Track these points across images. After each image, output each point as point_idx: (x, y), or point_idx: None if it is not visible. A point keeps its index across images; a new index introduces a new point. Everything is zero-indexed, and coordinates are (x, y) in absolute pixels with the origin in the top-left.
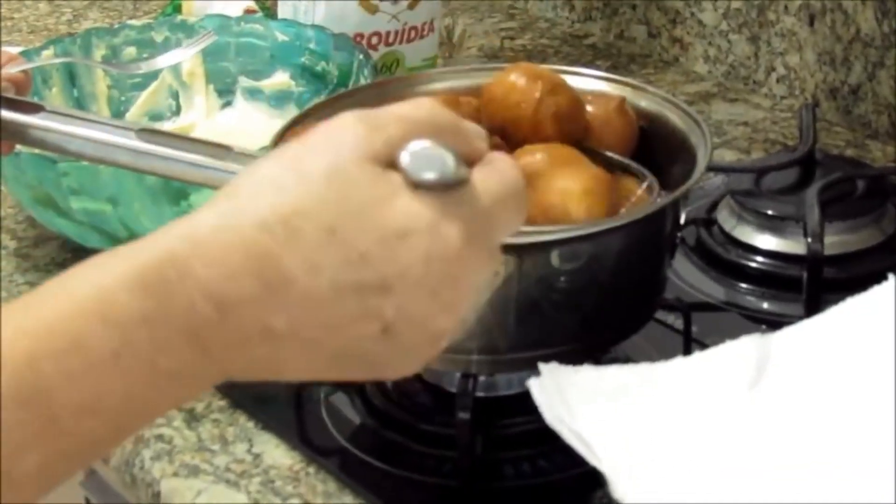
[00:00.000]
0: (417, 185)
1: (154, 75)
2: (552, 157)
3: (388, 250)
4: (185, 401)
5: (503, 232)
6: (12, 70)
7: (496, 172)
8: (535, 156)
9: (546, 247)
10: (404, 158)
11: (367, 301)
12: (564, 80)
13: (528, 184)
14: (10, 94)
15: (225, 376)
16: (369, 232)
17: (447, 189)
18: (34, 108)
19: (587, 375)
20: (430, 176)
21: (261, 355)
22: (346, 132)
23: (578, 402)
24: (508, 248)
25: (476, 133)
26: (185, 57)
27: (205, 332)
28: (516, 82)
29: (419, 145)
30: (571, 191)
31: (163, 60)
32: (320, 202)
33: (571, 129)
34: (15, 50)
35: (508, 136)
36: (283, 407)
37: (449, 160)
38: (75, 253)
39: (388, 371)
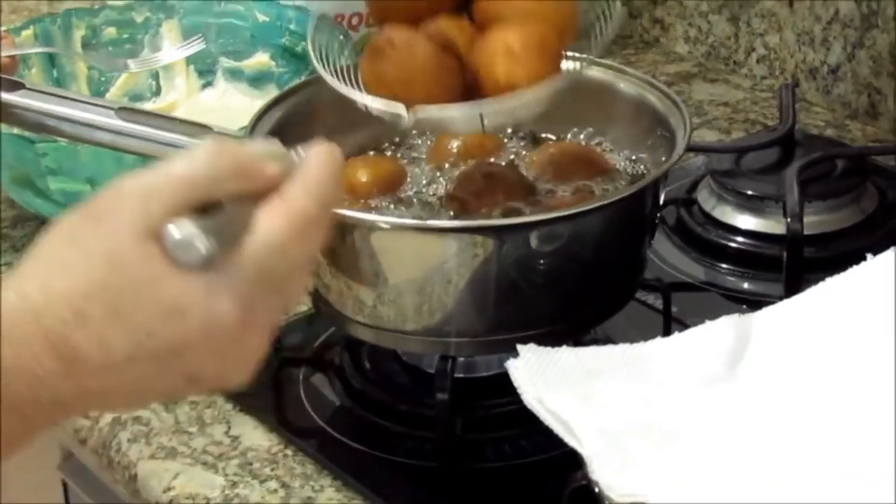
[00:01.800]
0: (184, 265)
1: (133, 55)
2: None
3: (169, 326)
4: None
5: (300, 263)
6: (4, 54)
7: (282, 207)
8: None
9: (525, 228)
10: (167, 242)
11: (163, 364)
12: None
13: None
14: None
15: (48, 426)
16: (149, 311)
17: (207, 267)
18: (14, 86)
19: (566, 356)
20: (186, 259)
21: (81, 410)
22: (124, 206)
23: (557, 383)
24: (487, 230)
25: (260, 164)
26: (173, 59)
27: (24, 407)
28: None
29: (179, 226)
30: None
31: (147, 62)
32: (102, 286)
33: None
34: None
35: None
36: (261, 389)
37: (200, 242)
38: None
39: (218, 387)
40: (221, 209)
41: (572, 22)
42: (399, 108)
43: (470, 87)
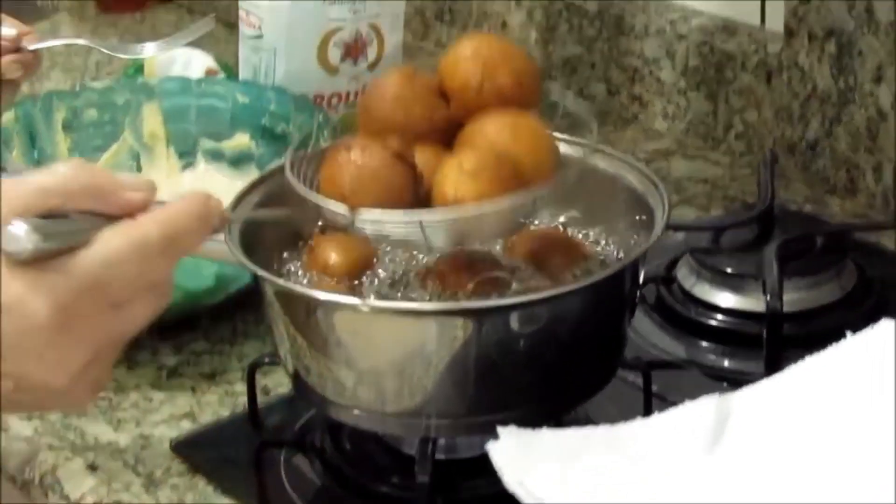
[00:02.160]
0: (13, 261)
1: (114, 137)
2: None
3: None
4: None
5: (137, 285)
6: (29, 47)
7: (126, 227)
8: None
9: (505, 310)
10: (3, 235)
11: None
12: (513, 54)
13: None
14: (17, 74)
15: None
16: None
17: (33, 265)
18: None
19: (547, 438)
20: (11, 251)
21: None
22: None
23: (538, 465)
24: (467, 313)
25: (118, 189)
26: (179, 45)
27: None
28: (459, 64)
29: (15, 222)
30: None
31: (154, 48)
32: None
33: (519, 103)
34: None
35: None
36: (242, 470)
37: (28, 237)
38: None
39: (47, 400)
40: (66, 219)
41: (546, 164)
42: (340, 208)
43: (424, 204)
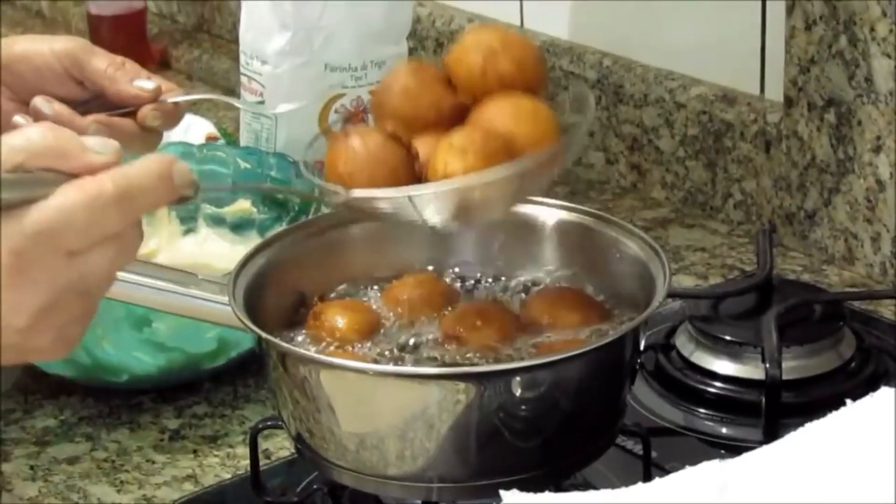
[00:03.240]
0: None
1: None
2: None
3: None
4: None
5: (91, 236)
6: (169, 99)
7: (81, 181)
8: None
9: (507, 374)
10: None
11: None
12: (514, 41)
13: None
14: (157, 123)
15: None
16: None
17: None
18: None
19: (549, 502)
20: None
21: None
22: None
23: None
24: (469, 377)
25: (82, 151)
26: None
27: None
28: (463, 53)
29: None
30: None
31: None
32: None
33: (523, 87)
34: None
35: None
36: None
37: None
38: (34, 378)
39: (28, 355)
40: (30, 174)
41: (545, 141)
42: (337, 188)
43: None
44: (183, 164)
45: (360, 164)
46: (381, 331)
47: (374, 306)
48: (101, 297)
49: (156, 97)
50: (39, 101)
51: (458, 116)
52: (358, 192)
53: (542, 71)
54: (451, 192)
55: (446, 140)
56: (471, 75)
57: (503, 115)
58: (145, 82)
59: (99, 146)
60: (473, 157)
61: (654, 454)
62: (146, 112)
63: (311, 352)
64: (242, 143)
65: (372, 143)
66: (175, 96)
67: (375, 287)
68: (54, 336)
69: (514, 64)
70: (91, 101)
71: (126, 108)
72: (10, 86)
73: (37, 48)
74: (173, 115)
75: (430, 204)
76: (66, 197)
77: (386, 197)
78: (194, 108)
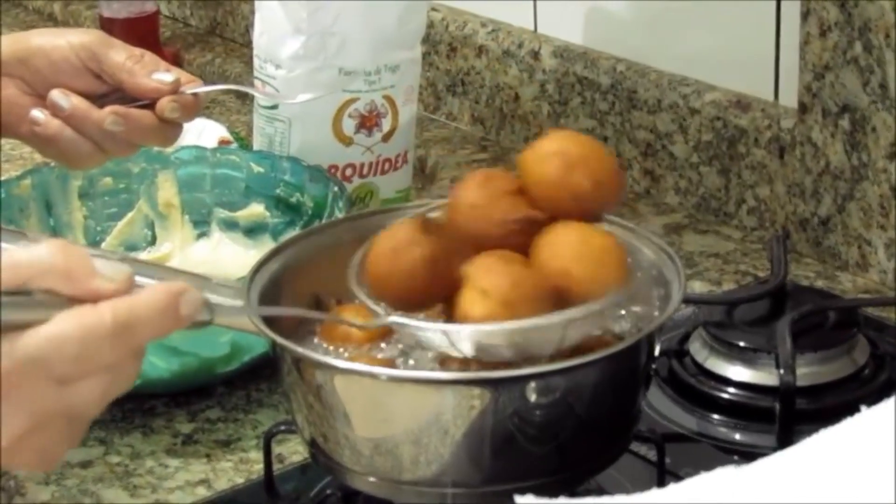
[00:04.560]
0: None
1: (129, 205)
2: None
3: None
4: None
5: (83, 366)
6: (188, 91)
7: (80, 310)
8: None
9: (521, 380)
10: None
11: None
12: (593, 152)
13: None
14: (176, 115)
15: None
16: None
17: None
18: (18, 237)
19: None
20: None
21: None
22: None
23: None
24: (484, 382)
25: (89, 276)
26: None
27: None
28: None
29: None
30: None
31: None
32: None
33: (597, 203)
34: None
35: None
36: None
37: None
38: None
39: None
40: (29, 296)
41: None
42: (377, 310)
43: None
44: (194, 293)
45: (392, 283)
46: (395, 335)
47: None
48: (90, 422)
49: (175, 89)
50: (57, 95)
51: (529, 231)
52: (395, 318)
53: (618, 186)
54: (476, 332)
55: (475, 278)
56: (544, 186)
57: (566, 247)
58: (164, 74)
59: (110, 272)
60: (494, 304)
61: (667, 460)
62: (165, 104)
63: (327, 357)
64: (256, 147)
65: (406, 262)
66: (194, 87)
67: None
68: (37, 456)
69: (590, 179)
70: (109, 94)
71: (145, 100)
72: (27, 80)
73: (54, 42)
74: (192, 107)
75: (464, 341)
76: (59, 327)
77: (420, 327)
78: (207, 111)
